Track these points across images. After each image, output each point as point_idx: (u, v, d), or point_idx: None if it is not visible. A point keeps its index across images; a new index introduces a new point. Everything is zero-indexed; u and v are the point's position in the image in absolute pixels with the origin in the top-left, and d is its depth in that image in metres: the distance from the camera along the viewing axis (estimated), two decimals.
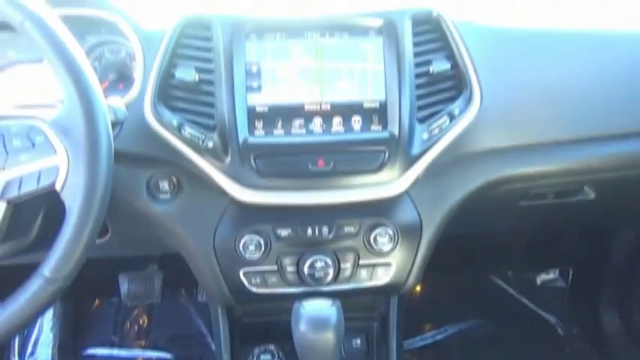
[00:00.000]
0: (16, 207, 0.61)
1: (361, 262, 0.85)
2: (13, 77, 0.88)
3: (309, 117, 0.80)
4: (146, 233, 0.94)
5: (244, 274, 0.85)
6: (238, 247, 0.83)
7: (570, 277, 1.53)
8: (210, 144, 0.78)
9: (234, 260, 0.84)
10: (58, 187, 0.60)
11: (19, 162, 0.59)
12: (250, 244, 0.82)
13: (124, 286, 1.39)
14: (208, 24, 0.79)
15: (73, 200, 0.59)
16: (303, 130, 0.79)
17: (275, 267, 0.84)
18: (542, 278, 1.56)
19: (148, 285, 1.41)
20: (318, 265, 0.82)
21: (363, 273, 0.85)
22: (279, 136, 0.79)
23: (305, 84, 0.79)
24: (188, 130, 0.78)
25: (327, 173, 0.79)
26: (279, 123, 0.79)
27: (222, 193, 0.82)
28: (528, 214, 1.06)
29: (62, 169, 0.59)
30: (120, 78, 0.95)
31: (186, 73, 0.78)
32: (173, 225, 0.85)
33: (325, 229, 0.84)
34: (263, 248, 0.83)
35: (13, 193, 0.60)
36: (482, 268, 1.59)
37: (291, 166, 0.78)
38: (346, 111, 0.80)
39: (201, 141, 0.78)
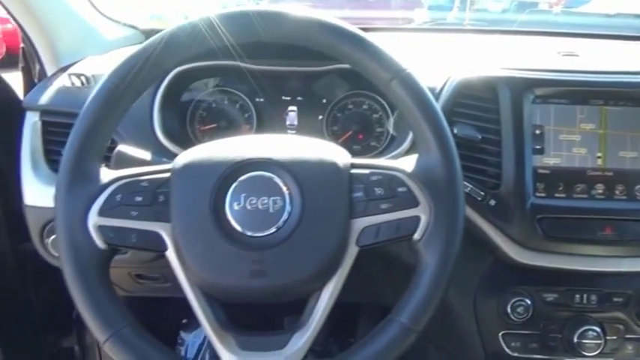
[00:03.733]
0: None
1: (628, 335, 0.82)
2: None
3: (590, 182, 0.79)
4: (379, 282, 0.94)
5: (503, 336, 0.83)
6: (504, 309, 0.81)
7: None
8: (493, 202, 0.78)
9: (495, 321, 0.83)
10: (416, 237, 0.61)
11: (379, 210, 0.61)
12: (519, 307, 0.81)
13: None
14: (493, 85, 0.81)
15: (431, 252, 0.60)
16: (585, 195, 0.79)
17: (538, 332, 0.82)
18: None
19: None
20: (590, 334, 0.80)
21: (629, 347, 0.82)
22: (561, 199, 0.79)
23: (588, 149, 0.80)
24: (468, 187, 0.79)
25: (612, 241, 0.77)
26: (561, 186, 0.79)
27: (486, 250, 0.82)
28: None
29: (423, 220, 0.60)
30: (361, 129, 0.98)
31: (469, 132, 0.80)
32: None
33: (594, 298, 0.82)
34: (531, 312, 0.81)
35: (369, 240, 0.61)
36: None
37: (578, 231, 0.78)
38: (629, 179, 0.79)
39: (481, 198, 0.79)
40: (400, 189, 0.61)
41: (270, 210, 0.60)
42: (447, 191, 0.60)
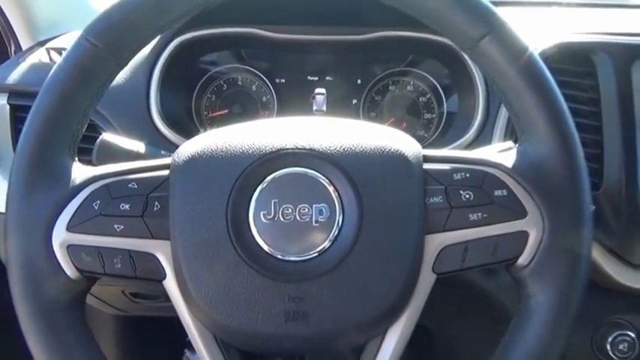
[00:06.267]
0: None
1: None
2: None
3: None
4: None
5: None
6: (602, 345, 0.64)
7: None
8: (591, 207, 0.60)
9: (590, 357, 0.65)
10: (522, 263, 0.43)
11: (467, 222, 0.43)
12: (621, 343, 0.63)
13: None
14: (590, 55, 0.63)
15: (544, 286, 0.42)
16: None
17: None
18: None
19: None
20: None
21: None
22: None
23: None
24: None
25: None
26: None
27: None
28: None
29: (533, 238, 0.42)
30: (405, 116, 0.81)
31: None
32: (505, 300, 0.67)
33: None
34: (637, 349, 0.63)
35: (452, 265, 0.43)
36: None
37: None
38: None
39: None
40: (498, 192, 0.43)
41: (314, 223, 0.42)
42: (568, 197, 0.42)
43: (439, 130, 0.79)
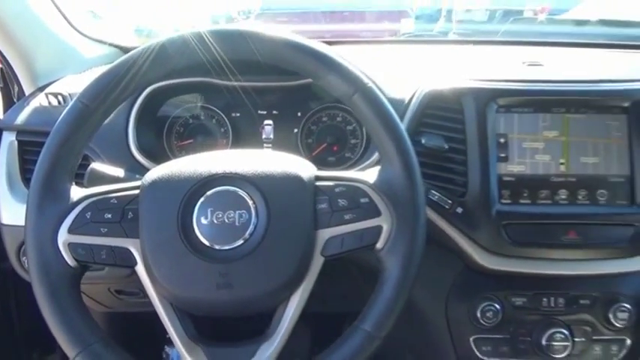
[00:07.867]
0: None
1: (595, 337, 0.84)
2: None
3: (554, 188, 0.82)
4: (354, 291, 0.95)
5: (474, 340, 0.85)
6: (474, 314, 0.83)
7: None
8: (460, 210, 0.81)
9: (466, 326, 0.84)
10: (379, 246, 0.62)
11: (343, 220, 0.63)
12: (488, 312, 0.83)
13: None
14: (459, 96, 0.83)
15: (393, 260, 0.61)
16: (549, 201, 0.81)
17: (508, 335, 0.84)
18: None
19: (296, 345, 1.39)
20: (558, 337, 0.82)
21: (597, 349, 0.84)
22: (525, 205, 0.81)
23: (551, 156, 0.82)
24: (436, 195, 0.81)
25: (576, 245, 0.80)
26: (526, 193, 0.82)
27: (456, 257, 0.84)
28: None
29: (385, 229, 0.62)
30: (336, 141, 1.00)
31: (436, 142, 0.82)
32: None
33: (561, 301, 0.84)
34: (500, 316, 0.83)
35: (334, 250, 0.63)
36: None
37: (542, 235, 0.80)
38: (591, 184, 0.81)
39: (448, 206, 0.81)
40: (363, 200, 0.63)
41: (237, 223, 0.61)
42: (407, 201, 0.62)
43: (361, 151, 0.99)
